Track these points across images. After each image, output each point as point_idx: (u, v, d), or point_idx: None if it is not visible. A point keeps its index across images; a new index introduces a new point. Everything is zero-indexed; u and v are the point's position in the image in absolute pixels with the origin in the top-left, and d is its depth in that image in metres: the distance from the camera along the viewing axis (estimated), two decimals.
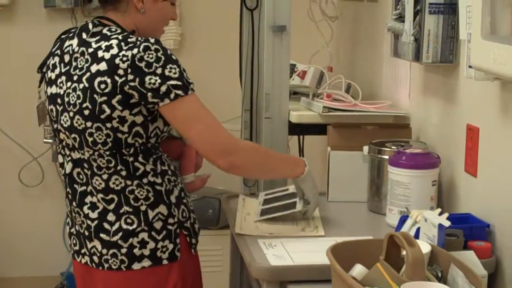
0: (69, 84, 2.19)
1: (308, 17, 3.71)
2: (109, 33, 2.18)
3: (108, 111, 2.12)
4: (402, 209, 2.41)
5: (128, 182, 2.19)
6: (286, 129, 3.06)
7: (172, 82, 2.10)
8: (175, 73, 2.11)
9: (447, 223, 1.99)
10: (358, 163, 2.72)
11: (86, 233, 2.24)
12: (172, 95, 2.11)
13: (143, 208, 2.20)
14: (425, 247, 1.86)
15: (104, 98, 2.12)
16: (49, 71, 2.28)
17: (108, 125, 2.13)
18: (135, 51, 2.10)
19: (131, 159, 2.18)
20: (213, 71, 4.31)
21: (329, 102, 3.04)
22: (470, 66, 2.12)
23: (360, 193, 2.70)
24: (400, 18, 2.64)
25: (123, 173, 2.18)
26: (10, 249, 4.47)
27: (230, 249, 2.88)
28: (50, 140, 4.10)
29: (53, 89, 2.25)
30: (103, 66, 2.12)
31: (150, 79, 2.09)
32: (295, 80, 3.31)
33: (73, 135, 2.20)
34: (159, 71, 2.10)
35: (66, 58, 2.23)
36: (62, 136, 2.24)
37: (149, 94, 2.10)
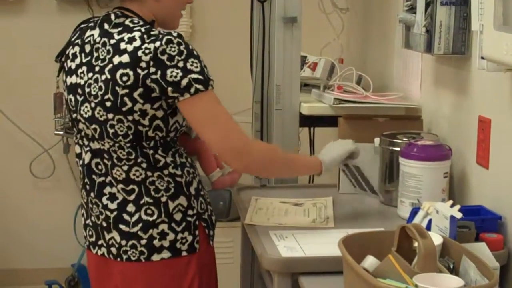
0: (90, 74, 2.18)
1: (319, 9, 3.71)
2: (131, 25, 2.17)
3: (129, 104, 2.12)
4: (414, 201, 2.41)
5: (149, 174, 2.19)
6: (297, 121, 3.06)
7: (193, 75, 2.10)
8: (196, 67, 2.11)
9: (459, 215, 1.98)
10: (369, 155, 2.71)
11: (104, 224, 2.24)
12: (192, 90, 2.10)
13: (163, 199, 2.20)
14: (437, 238, 1.85)
15: (126, 90, 2.11)
16: (68, 61, 2.27)
17: (130, 117, 2.13)
18: (157, 44, 2.09)
19: (151, 151, 2.18)
20: (224, 63, 4.30)
21: (340, 94, 3.04)
22: (482, 57, 2.11)
23: (371, 185, 2.69)
24: (412, 9, 2.63)
25: (144, 165, 2.18)
26: (21, 241, 4.48)
27: (241, 241, 2.88)
28: (61, 132, 4.13)
29: (73, 79, 2.24)
30: (125, 58, 2.11)
31: (172, 72, 2.08)
32: (306, 72, 3.31)
33: (93, 126, 2.20)
34: (181, 64, 2.09)
35: (87, 48, 2.21)
36: (81, 126, 2.24)
37: (170, 88, 2.09)
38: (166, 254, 2.21)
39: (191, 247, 2.23)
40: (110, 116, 2.15)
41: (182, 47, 2.10)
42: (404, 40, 2.73)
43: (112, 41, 2.15)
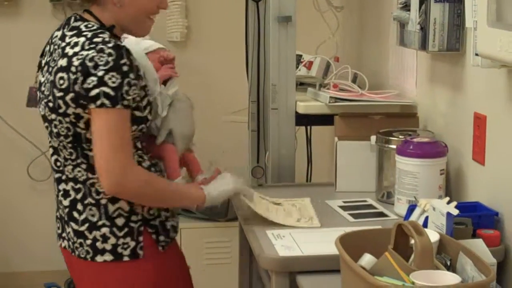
0: (46, 74, 2.22)
1: (314, 7, 3.70)
2: (84, 29, 2.18)
3: (63, 107, 2.14)
4: (410, 198, 2.41)
5: (90, 175, 2.20)
6: (293, 120, 3.06)
7: (105, 89, 2.09)
8: (113, 82, 2.09)
9: (455, 212, 1.98)
10: (365, 153, 2.71)
11: (65, 218, 2.28)
12: (98, 102, 2.09)
13: (103, 201, 2.21)
14: (433, 235, 1.86)
15: (61, 94, 2.14)
16: (43, 58, 2.32)
17: (67, 119, 2.15)
18: (91, 52, 2.10)
19: (91, 153, 2.17)
20: (219, 63, 4.31)
21: (336, 92, 3.04)
22: (476, 54, 2.11)
23: (368, 183, 2.70)
24: (406, 7, 2.63)
25: (84, 166, 2.20)
26: (19, 244, 4.48)
27: (238, 241, 2.88)
28: None
29: (40, 77, 2.29)
30: (64, 62, 2.14)
31: (90, 80, 2.09)
32: (302, 70, 3.31)
33: (45, 124, 2.24)
34: (100, 73, 2.09)
35: (51, 48, 2.26)
36: (43, 123, 2.28)
37: (82, 95, 2.10)
38: (108, 257, 2.23)
39: (133, 252, 2.22)
40: (53, 116, 2.18)
41: (110, 58, 2.10)
42: (399, 37, 2.73)
43: (63, 44, 2.18)
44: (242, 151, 3.56)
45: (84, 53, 2.10)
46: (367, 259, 1.79)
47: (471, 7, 2.25)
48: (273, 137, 3.05)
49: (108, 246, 2.22)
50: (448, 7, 2.46)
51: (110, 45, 2.10)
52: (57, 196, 2.31)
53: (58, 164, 2.27)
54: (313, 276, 2.09)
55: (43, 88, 2.23)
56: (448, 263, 1.82)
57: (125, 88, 2.11)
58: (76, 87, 2.11)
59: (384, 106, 2.93)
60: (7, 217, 4.46)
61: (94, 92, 2.09)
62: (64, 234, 2.32)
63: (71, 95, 2.12)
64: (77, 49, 2.13)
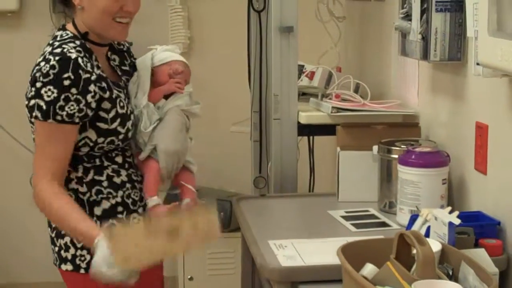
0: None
1: (316, 18, 3.72)
2: (57, 38, 2.22)
3: (28, 115, 2.18)
4: (413, 208, 2.41)
5: None
6: (295, 130, 3.06)
7: (40, 102, 2.12)
8: (48, 96, 2.11)
9: (457, 221, 1.98)
10: (367, 163, 2.71)
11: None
12: (33, 113, 2.14)
13: None
14: (435, 245, 1.86)
15: (26, 102, 2.18)
16: None
17: (33, 127, 2.20)
18: (42, 62, 2.13)
19: None
20: (222, 73, 4.32)
21: (338, 102, 3.04)
22: (477, 64, 2.12)
23: (370, 193, 2.70)
24: (407, 16, 2.63)
25: None
26: (23, 255, 4.48)
27: (241, 251, 2.88)
28: None
29: None
30: (31, 70, 2.17)
31: (30, 90, 2.14)
32: (304, 81, 3.31)
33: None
34: (38, 85, 2.12)
35: None
36: None
37: (25, 103, 2.16)
38: (69, 266, 2.27)
39: (89, 266, 2.12)
40: (29, 124, 2.22)
41: (52, 71, 2.11)
42: (401, 47, 2.73)
43: (40, 53, 2.21)
44: (245, 161, 3.56)
45: (39, 62, 2.14)
46: (369, 269, 1.79)
47: (472, 17, 2.26)
48: (275, 147, 3.05)
49: (69, 256, 2.26)
50: (449, 16, 2.47)
51: (57, 57, 2.11)
52: None
53: None
54: (315, 286, 2.08)
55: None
56: (450, 273, 1.82)
57: (61, 103, 2.11)
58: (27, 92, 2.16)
59: (386, 116, 2.93)
60: (9, 228, 4.47)
61: (31, 103, 2.14)
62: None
63: (31, 102, 2.16)
64: (40, 58, 2.17)
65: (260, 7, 3.19)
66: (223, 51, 4.34)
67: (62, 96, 2.10)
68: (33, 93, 2.12)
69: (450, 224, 1.96)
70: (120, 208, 2.26)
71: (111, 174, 2.24)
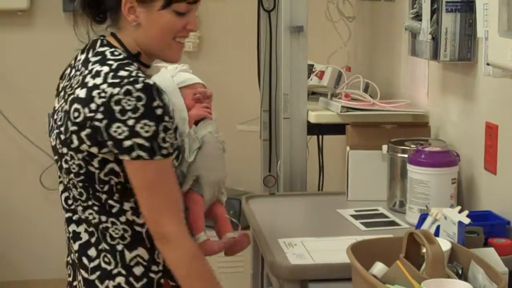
0: (61, 101, 1.97)
1: (326, 18, 3.72)
2: (109, 56, 1.93)
3: (76, 142, 1.89)
4: (422, 207, 2.41)
5: (103, 218, 1.94)
6: (305, 129, 3.07)
7: (139, 140, 1.83)
8: (147, 132, 1.83)
9: (467, 221, 1.99)
10: (377, 162, 2.72)
11: (77, 264, 2.01)
12: (134, 154, 1.84)
13: (119, 247, 1.95)
14: (445, 244, 1.86)
15: (75, 128, 1.88)
16: (62, 82, 2.06)
17: (79, 156, 1.90)
18: (116, 90, 1.84)
19: (104, 196, 1.93)
20: (231, 73, 4.33)
21: (347, 101, 3.04)
22: (488, 64, 2.12)
23: (379, 192, 2.70)
24: (417, 17, 2.64)
25: (96, 208, 1.94)
26: (32, 252, 4.50)
27: (251, 250, 2.89)
28: None
29: (55, 102, 2.03)
30: (83, 93, 1.88)
31: (118, 127, 1.83)
32: (313, 80, 3.32)
33: (56, 157, 1.99)
34: (130, 122, 1.83)
35: (72, 72, 2.01)
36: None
37: (110, 142, 1.85)
38: None
39: None
40: (65, 150, 1.93)
41: (140, 103, 1.83)
42: (411, 47, 2.74)
43: (85, 72, 1.93)
44: (254, 160, 3.57)
45: (108, 90, 1.84)
46: (378, 268, 1.80)
47: (482, 17, 2.26)
48: (285, 146, 3.06)
49: None
50: (460, 17, 2.47)
51: (138, 86, 1.84)
52: (68, 239, 2.05)
53: (69, 202, 2.00)
54: (325, 285, 2.10)
55: (56, 116, 1.98)
56: (460, 272, 1.82)
57: (161, 135, 1.85)
58: (96, 124, 1.85)
59: (396, 116, 2.93)
60: (19, 225, 4.48)
61: (126, 143, 1.83)
62: (75, 283, 2.03)
63: (87, 131, 1.86)
64: (98, 80, 1.87)
65: (270, 7, 3.21)
66: (233, 50, 4.35)
67: (160, 127, 1.85)
68: (126, 133, 1.82)
69: (460, 223, 1.97)
70: None
71: None
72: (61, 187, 2.02)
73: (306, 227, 2.56)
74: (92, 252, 1.96)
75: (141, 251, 1.95)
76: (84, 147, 1.88)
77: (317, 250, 2.24)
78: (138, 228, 1.95)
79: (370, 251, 1.87)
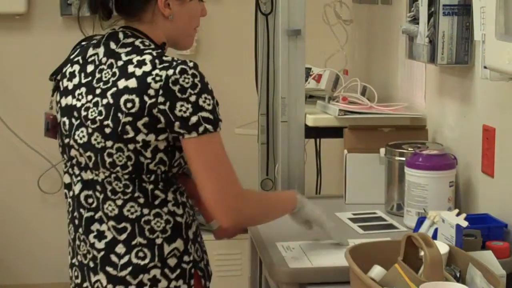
0: (89, 97, 1.99)
1: (323, 21, 3.73)
2: (142, 46, 1.99)
3: (131, 133, 1.93)
4: (420, 211, 2.42)
5: (145, 211, 1.99)
6: (303, 133, 3.06)
7: (204, 114, 1.92)
8: (209, 105, 1.93)
9: (464, 224, 1.99)
10: (375, 165, 2.72)
11: (91, 265, 2.02)
12: (201, 129, 1.92)
13: (158, 241, 1.99)
14: (443, 247, 1.87)
15: (129, 118, 1.92)
16: (64, 80, 2.08)
17: (131, 146, 1.94)
18: (170, 72, 1.91)
19: (150, 186, 1.99)
20: (229, 76, 4.33)
21: (345, 105, 3.05)
22: (485, 67, 2.13)
23: (377, 195, 2.70)
24: (415, 20, 2.64)
25: (141, 200, 1.99)
26: (30, 256, 4.50)
27: (249, 253, 2.89)
28: None
29: (69, 100, 2.05)
30: (132, 83, 1.92)
31: (181, 105, 1.91)
32: (311, 83, 3.32)
33: (88, 153, 2.00)
34: (192, 98, 1.91)
35: (89, 68, 2.03)
36: (73, 153, 2.05)
37: (177, 123, 1.92)
38: None
39: None
40: (109, 143, 1.96)
41: (196, 80, 1.92)
42: (408, 50, 2.74)
43: (120, 63, 1.97)
44: (252, 163, 3.57)
45: (162, 73, 1.91)
46: (376, 271, 1.80)
47: (479, 20, 2.27)
48: (282, 149, 3.05)
49: None
50: (457, 20, 2.48)
51: (190, 64, 1.93)
52: (77, 239, 2.06)
53: (91, 201, 2.02)
54: None
55: (83, 113, 1.99)
56: (458, 275, 1.83)
57: (217, 108, 1.97)
58: (155, 112, 1.91)
59: (393, 119, 2.94)
60: (17, 229, 4.48)
61: (193, 119, 1.91)
62: (85, 284, 2.04)
63: (144, 120, 1.92)
64: (146, 68, 1.92)
65: (267, 10, 3.21)
66: (230, 54, 4.35)
67: (215, 101, 1.96)
68: (191, 109, 1.90)
69: (458, 226, 1.97)
70: (198, 231, 2.11)
71: (183, 192, 2.07)
72: (79, 186, 2.05)
73: (304, 230, 2.56)
74: (120, 249, 1.99)
75: (178, 243, 2.01)
76: (140, 136, 1.93)
77: (315, 253, 2.24)
78: (178, 219, 2.02)
79: (369, 254, 1.88)
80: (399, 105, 3.04)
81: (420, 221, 2.23)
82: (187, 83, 1.92)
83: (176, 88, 1.91)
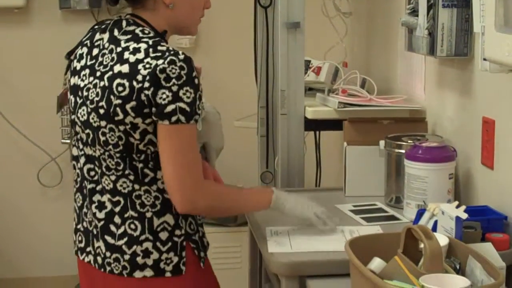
0: (91, 78, 2.13)
1: (322, 13, 3.72)
2: (141, 34, 2.11)
3: (121, 115, 2.06)
4: (420, 203, 2.42)
5: (136, 187, 2.12)
6: (302, 125, 3.07)
7: (181, 104, 2.03)
8: (188, 97, 2.03)
9: (464, 216, 1.99)
10: (374, 158, 2.72)
11: (95, 232, 2.18)
12: (174, 118, 2.03)
13: (148, 215, 2.12)
14: (442, 239, 1.87)
15: (119, 101, 2.05)
16: (75, 61, 2.23)
17: (121, 127, 2.07)
18: (160, 61, 2.03)
19: (140, 165, 2.10)
20: (228, 69, 4.33)
21: (344, 97, 3.05)
22: (484, 59, 2.12)
23: (377, 188, 2.70)
24: (414, 12, 2.64)
25: (131, 177, 2.11)
26: (29, 249, 4.51)
27: (248, 246, 2.89)
28: (68, 141, 4.14)
29: (76, 80, 2.19)
30: (125, 68, 2.05)
31: (163, 93, 2.02)
32: (310, 76, 3.32)
33: (87, 131, 2.14)
34: (174, 88, 2.02)
35: (95, 51, 2.17)
36: (77, 128, 2.19)
37: (154, 109, 2.04)
38: (148, 273, 2.12)
39: (176, 268, 2.14)
40: (103, 123, 2.09)
41: (183, 72, 2.03)
42: (407, 43, 2.74)
43: (118, 49, 2.10)
44: (252, 156, 3.57)
45: (152, 62, 2.03)
46: (376, 263, 1.80)
47: (479, 12, 2.26)
48: (282, 142, 3.06)
49: (149, 261, 2.12)
50: (456, 12, 2.48)
51: (180, 57, 2.04)
52: (84, 207, 2.21)
53: (93, 174, 2.17)
54: (323, 280, 2.10)
55: (85, 93, 2.14)
56: (458, 267, 1.83)
57: (197, 102, 2.06)
58: (142, 97, 2.03)
59: (393, 111, 2.93)
60: (17, 223, 4.49)
61: (169, 108, 2.02)
62: (89, 249, 2.21)
63: (132, 103, 2.04)
64: (140, 55, 2.05)
65: (266, 3, 3.20)
66: (230, 46, 4.35)
67: (197, 95, 2.05)
68: (170, 98, 2.01)
69: (457, 218, 1.97)
70: None
71: None
72: (83, 159, 2.19)
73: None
74: (117, 219, 2.13)
75: (168, 217, 2.13)
76: (128, 119, 2.06)
77: (300, 238, 2.28)
78: (166, 196, 2.12)
79: (368, 247, 1.88)
80: (398, 98, 3.04)
81: (420, 213, 2.23)
82: (173, 73, 2.03)
83: (162, 76, 2.02)
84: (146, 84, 2.03)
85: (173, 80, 2.02)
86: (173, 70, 2.03)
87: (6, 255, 4.50)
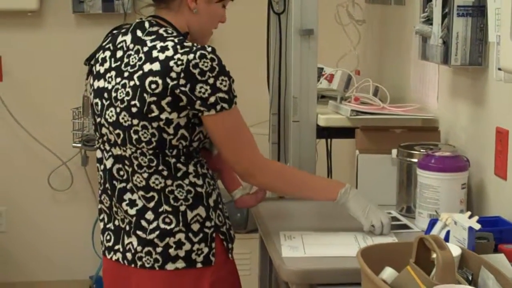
0: (118, 79, 2.21)
1: (336, 21, 3.72)
2: (165, 34, 2.20)
3: (156, 111, 2.14)
4: (432, 212, 2.41)
5: (168, 182, 2.20)
6: (314, 133, 3.06)
7: (221, 94, 2.16)
8: (225, 86, 2.16)
9: (477, 226, 1.98)
10: (386, 167, 2.71)
11: (127, 228, 2.25)
12: (218, 107, 2.16)
13: (182, 208, 2.21)
14: (455, 250, 1.85)
15: (154, 98, 2.14)
16: (97, 65, 2.29)
17: (155, 124, 2.15)
18: (190, 56, 2.13)
19: (173, 160, 2.20)
20: (240, 75, 4.27)
21: (357, 105, 3.04)
22: (499, 69, 2.11)
23: (389, 196, 2.69)
24: (428, 21, 2.63)
25: (164, 173, 2.20)
26: (39, 253, 4.51)
27: (259, 253, 2.89)
28: (79, 145, 4.16)
29: (101, 83, 2.26)
30: (156, 66, 2.14)
31: (201, 87, 2.13)
32: (323, 83, 3.32)
33: (117, 131, 2.21)
34: (211, 81, 2.14)
35: (119, 53, 2.24)
36: (104, 131, 2.25)
37: (198, 102, 2.14)
38: (180, 264, 2.21)
39: (207, 259, 2.23)
40: (135, 121, 2.17)
41: (214, 63, 2.15)
42: (421, 51, 2.73)
43: (145, 49, 2.18)
44: None
45: (183, 57, 2.13)
46: (388, 273, 1.79)
47: (494, 22, 2.25)
48: (294, 149, 3.05)
49: (181, 253, 2.20)
50: (471, 21, 2.46)
51: (209, 49, 2.15)
52: (113, 206, 2.28)
53: (122, 173, 2.25)
54: None
55: (113, 94, 2.21)
56: (470, 278, 1.81)
57: (232, 86, 2.20)
58: (177, 92, 2.13)
59: (406, 120, 2.93)
60: (28, 226, 4.49)
61: (211, 99, 2.15)
62: (118, 247, 2.28)
63: (168, 99, 2.13)
64: (169, 53, 2.14)
65: (280, 10, 3.20)
66: (242, 53, 4.34)
67: (231, 81, 2.19)
68: (209, 90, 2.14)
69: (470, 229, 1.96)
70: (219, 198, 2.31)
71: (204, 164, 2.28)
72: (111, 160, 2.26)
73: (316, 229, 2.54)
74: (149, 215, 2.21)
75: (200, 210, 2.23)
76: (164, 115, 2.15)
77: (314, 244, 2.28)
78: (199, 189, 2.23)
79: (380, 256, 1.87)
80: (411, 106, 3.03)
81: (432, 223, 2.22)
82: (206, 66, 2.13)
83: (196, 71, 2.13)
84: (182, 81, 2.13)
85: (208, 73, 2.13)
86: (205, 64, 2.13)
87: (16, 258, 4.50)
